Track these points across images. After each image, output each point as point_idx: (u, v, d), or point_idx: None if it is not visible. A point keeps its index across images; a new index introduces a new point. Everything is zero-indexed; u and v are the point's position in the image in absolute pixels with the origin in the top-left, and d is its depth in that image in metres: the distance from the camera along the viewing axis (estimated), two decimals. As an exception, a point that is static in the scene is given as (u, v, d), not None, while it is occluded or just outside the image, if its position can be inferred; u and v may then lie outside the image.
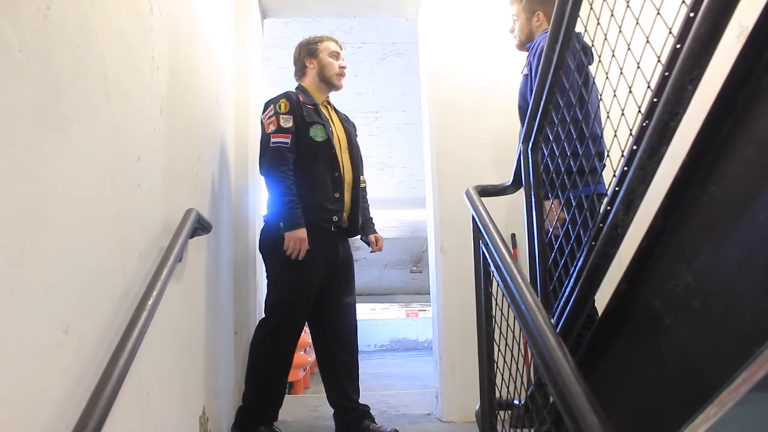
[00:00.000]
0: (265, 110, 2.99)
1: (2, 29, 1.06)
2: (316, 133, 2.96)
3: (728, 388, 1.03)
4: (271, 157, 2.87)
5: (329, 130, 3.01)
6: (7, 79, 1.08)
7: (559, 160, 1.86)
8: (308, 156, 2.93)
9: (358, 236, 3.22)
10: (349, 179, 3.07)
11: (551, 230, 1.99)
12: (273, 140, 2.87)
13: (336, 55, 3.17)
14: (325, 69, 3.13)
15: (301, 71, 3.20)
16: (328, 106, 3.17)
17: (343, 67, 3.18)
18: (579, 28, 1.71)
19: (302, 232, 2.78)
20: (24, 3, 1.15)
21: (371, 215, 3.30)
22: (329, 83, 3.15)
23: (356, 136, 3.21)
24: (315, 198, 2.92)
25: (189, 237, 2.04)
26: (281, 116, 2.90)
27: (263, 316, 2.96)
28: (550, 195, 1.99)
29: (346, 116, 3.25)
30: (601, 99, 1.63)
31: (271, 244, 2.93)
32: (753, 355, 0.98)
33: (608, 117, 1.53)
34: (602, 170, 1.99)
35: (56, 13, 1.26)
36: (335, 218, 2.95)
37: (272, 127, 2.89)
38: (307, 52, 3.17)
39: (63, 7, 1.30)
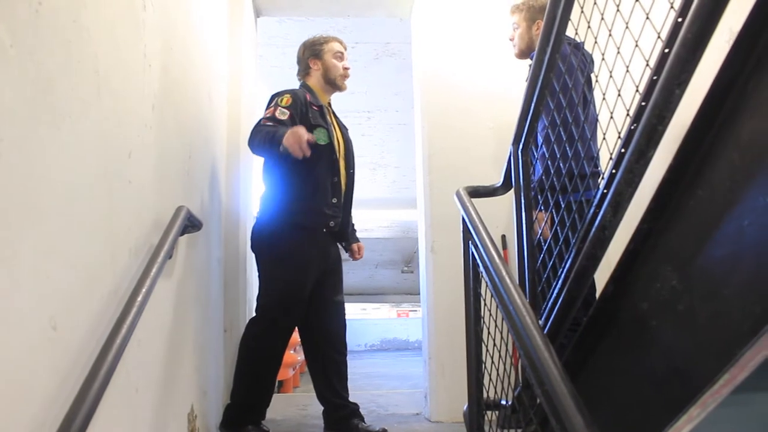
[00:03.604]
0: (269, 103, 2.97)
1: (-7, 24, 1.06)
2: (320, 137, 2.93)
3: (711, 389, 1.04)
4: (257, 133, 2.83)
5: (331, 134, 3.00)
6: (-2, 74, 1.08)
7: (549, 162, 1.87)
8: (310, 158, 2.92)
9: (342, 242, 3.21)
10: (344, 185, 3.07)
11: (540, 233, 2.01)
12: (263, 122, 2.85)
13: (340, 56, 3.15)
14: (329, 71, 3.11)
15: (304, 71, 3.18)
16: (330, 110, 3.17)
17: (347, 69, 3.17)
18: (570, 31, 1.72)
19: (294, 131, 2.64)
20: (16, -2, 1.15)
21: (353, 221, 3.30)
22: (333, 85, 3.14)
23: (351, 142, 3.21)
24: (314, 201, 2.91)
25: (179, 234, 2.04)
26: (279, 108, 2.88)
27: (254, 314, 2.95)
28: (540, 201, 2.00)
29: (342, 122, 3.24)
30: (592, 102, 1.64)
31: (265, 242, 2.93)
32: (735, 356, 0.99)
33: (597, 120, 1.54)
34: (593, 175, 2.00)
35: (48, 8, 1.26)
36: (332, 223, 2.95)
37: (267, 115, 2.87)
38: (312, 53, 3.14)
39: (54, 3, 1.30)
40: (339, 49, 3.16)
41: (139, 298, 1.59)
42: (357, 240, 3.29)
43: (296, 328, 3.08)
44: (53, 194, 1.28)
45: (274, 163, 2.98)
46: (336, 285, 3.11)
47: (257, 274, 3.04)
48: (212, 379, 2.94)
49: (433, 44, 3.75)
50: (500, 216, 3.23)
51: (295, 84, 3.16)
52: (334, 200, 2.97)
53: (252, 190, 3.83)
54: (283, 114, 2.86)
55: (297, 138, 2.60)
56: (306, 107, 2.94)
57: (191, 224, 2.22)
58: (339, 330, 3.07)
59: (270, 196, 2.99)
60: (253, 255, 3.09)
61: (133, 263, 1.75)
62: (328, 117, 3.07)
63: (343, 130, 3.18)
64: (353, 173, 3.14)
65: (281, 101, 2.90)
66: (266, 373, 2.91)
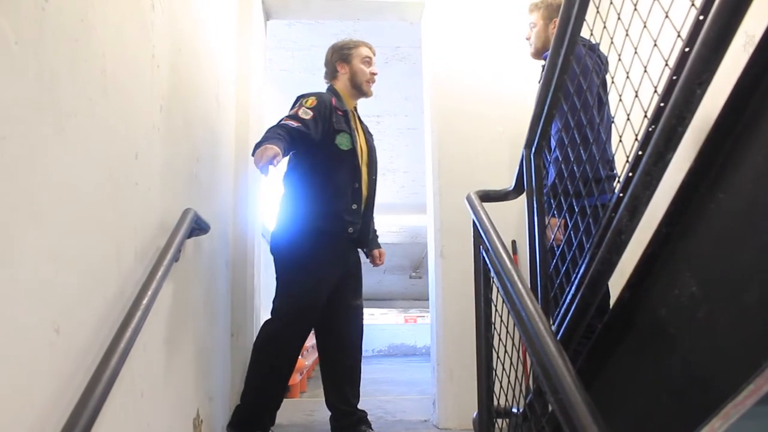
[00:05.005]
0: (294, 103, 2.94)
1: (-3, 20, 1.04)
2: (342, 142, 2.91)
3: (734, 400, 1.01)
4: (266, 132, 2.73)
5: (354, 140, 2.97)
6: (1, 71, 1.05)
7: (562, 166, 1.84)
8: (331, 163, 2.88)
9: (363, 248, 3.19)
10: (366, 192, 3.03)
11: (553, 238, 1.97)
12: (284, 120, 2.78)
13: (368, 62, 3.12)
14: (356, 75, 3.09)
15: (332, 74, 3.16)
16: (355, 115, 3.14)
17: (374, 74, 3.14)
18: (585, 31, 1.69)
19: (266, 147, 2.51)
20: (20, -6, 1.13)
21: (375, 228, 3.28)
22: (360, 90, 3.11)
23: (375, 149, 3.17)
24: (334, 206, 2.88)
25: (186, 237, 2.02)
26: (303, 107, 2.84)
27: (268, 317, 2.91)
28: (553, 206, 1.97)
29: (367, 127, 3.21)
30: (607, 104, 1.61)
31: (284, 245, 2.90)
32: (761, 367, 0.95)
33: (613, 122, 1.51)
34: (607, 178, 1.97)
35: (54, 6, 1.24)
36: (351, 230, 2.92)
37: (290, 114, 2.83)
38: (340, 57, 3.12)
39: (61, 1, 1.28)
40: (368, 54, 3.14)
41: (145, 301, 1.56)
42: (378, 246, 3.27)
43: (312, 331, 3.04)
44: (56, 195, 1.26)
45: (295, 166, 2.96)
46: (355, 289, 3.10)
47: (275, 276, 2.99)
48: (218, 384, 2.91)
49: (444, 48, 3.72)
50: (510, 221, 3.19)
51: (302, 89, 3.13)
52: (354, 206, 2.93)
53: (261, 193, 3.80)
54: (306, 114, 2.82)
55: (264, 154, 2.47)
56: (330, 111, 2.91)
57: (198, 227, 2.20)
58: (355, 334, 3.05)
59: (290, 200, 2.96)
60: (264, 259, 3.06)
61: (139, 266, 1.73)
62: (353, 122, 3.04)
63: (368, 136, 3.15)
64: (375, 180, 3.10)
65: (306, 102, 2.88)
66: (277, 376, 2.87)
